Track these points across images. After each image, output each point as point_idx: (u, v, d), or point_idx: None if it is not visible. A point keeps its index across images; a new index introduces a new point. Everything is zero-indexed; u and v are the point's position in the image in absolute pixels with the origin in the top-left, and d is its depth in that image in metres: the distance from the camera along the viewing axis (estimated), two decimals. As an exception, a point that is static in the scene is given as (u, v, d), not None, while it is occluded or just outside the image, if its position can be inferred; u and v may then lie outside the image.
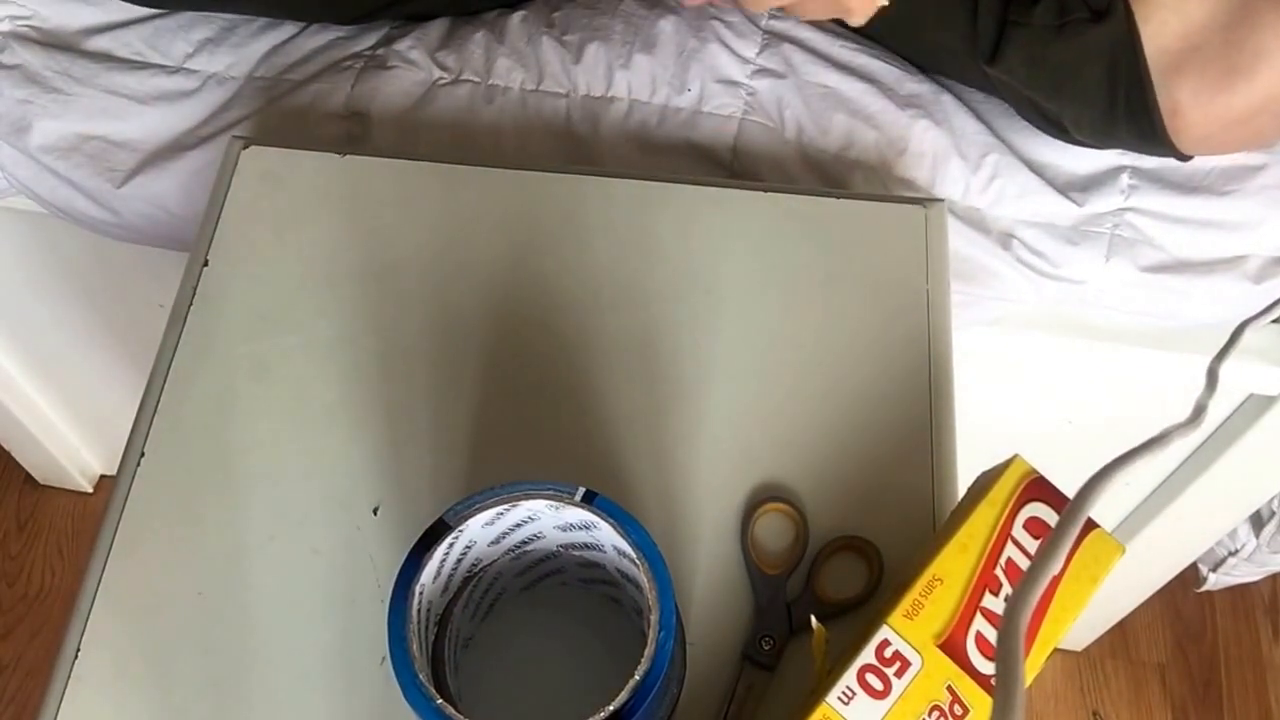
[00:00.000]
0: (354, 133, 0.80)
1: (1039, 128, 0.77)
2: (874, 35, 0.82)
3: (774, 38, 0.82)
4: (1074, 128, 0.75)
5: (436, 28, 0.83)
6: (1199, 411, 0.45)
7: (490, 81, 0.81)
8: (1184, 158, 0.73)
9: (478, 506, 0.44)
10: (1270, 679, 1.34)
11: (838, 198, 0.67)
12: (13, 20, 0.84)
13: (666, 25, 0.81)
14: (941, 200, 0.68)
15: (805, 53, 0.81)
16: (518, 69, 0.81)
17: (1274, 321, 0.83)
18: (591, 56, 0.80)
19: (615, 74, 0.80)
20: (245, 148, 0.68)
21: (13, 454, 1.36)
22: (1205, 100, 0.68)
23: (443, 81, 0.81)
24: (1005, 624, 0.33)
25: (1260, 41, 0.65)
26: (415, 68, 0.81)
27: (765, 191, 0.67)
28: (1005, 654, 0.33)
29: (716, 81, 0.80)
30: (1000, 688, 0.32)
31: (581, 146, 0.80)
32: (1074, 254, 0.77)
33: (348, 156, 0.68)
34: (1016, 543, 0.46)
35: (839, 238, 0.66)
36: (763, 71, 0.80)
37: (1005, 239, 0.78)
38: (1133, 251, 0.77)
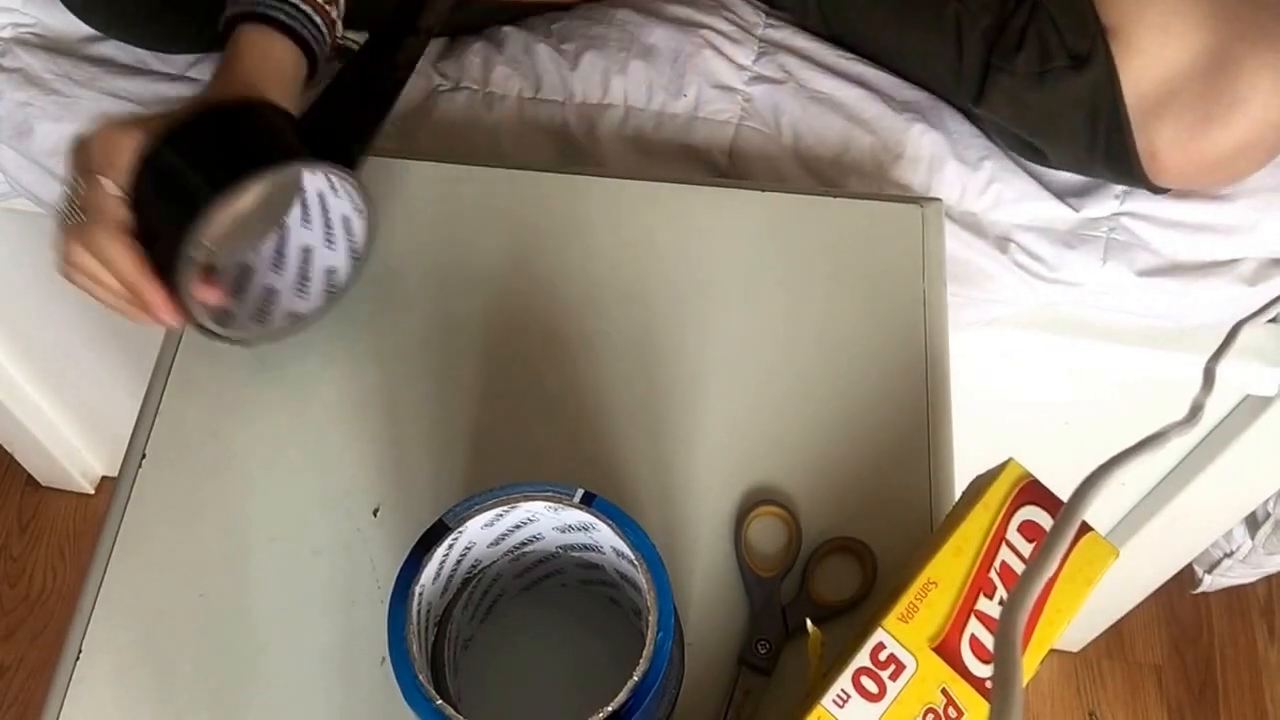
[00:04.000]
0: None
1: (1022, 155, 0.79)
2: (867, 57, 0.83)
3: (770, 45, 0.82)
4: (1055, 163, 0.77)
5: (437, 39, 0.84)
6: (1196, 410, 0.45)
7: (488, 89, 0.81)
8: (1160, 191, 0.75)
9: (477, 508, 0.44)
10: (1265, 679, 1.34)
11: (835, 197, 0.68)
12: (15, 28, 0.84)
13: (662, 33, 0.82)
14: (938, 199, 0.68)
15: (801, 60, 0.81)
16: (515, 77, 0.81)
17: (1270, 321, 0.84)
18: (588, 64, 0.80)
19: (611, 81, 0.80)
20: (246, 151, 0.69)
21: (15, 455, 1.37)
22: (1183, 145, 0.69)
23: (442, 88, 0.81)
24: (1001, 627, 0.34)
25: (1237, 90, 0.67)
26: (415, 75, 0.81)
27: (763, 192, 0.68)
28: (1002, 658, 0.33)
29: (713, 87, 0.80)
30: (998, 691, 0.32)
31: (579, 152, 0.80)
32: (1071, 257, 0.78)
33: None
34: (1011, 546, 0.46)
35: (836, 238, 0.66)
36: (759, 78, 0.81)
37: (1002, 242, 0.78)
38: (1128, 255, 0.78)
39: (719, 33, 0.82)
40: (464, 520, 0.44)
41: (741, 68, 0.81)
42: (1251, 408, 0.88)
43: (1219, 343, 0.48)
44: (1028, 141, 0.76)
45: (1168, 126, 0.69)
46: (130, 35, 0.80)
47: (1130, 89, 0.70)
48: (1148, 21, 0.68)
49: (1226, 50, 0.67)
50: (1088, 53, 0.71)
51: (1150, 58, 0.69)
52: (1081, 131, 0.73)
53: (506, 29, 0.84)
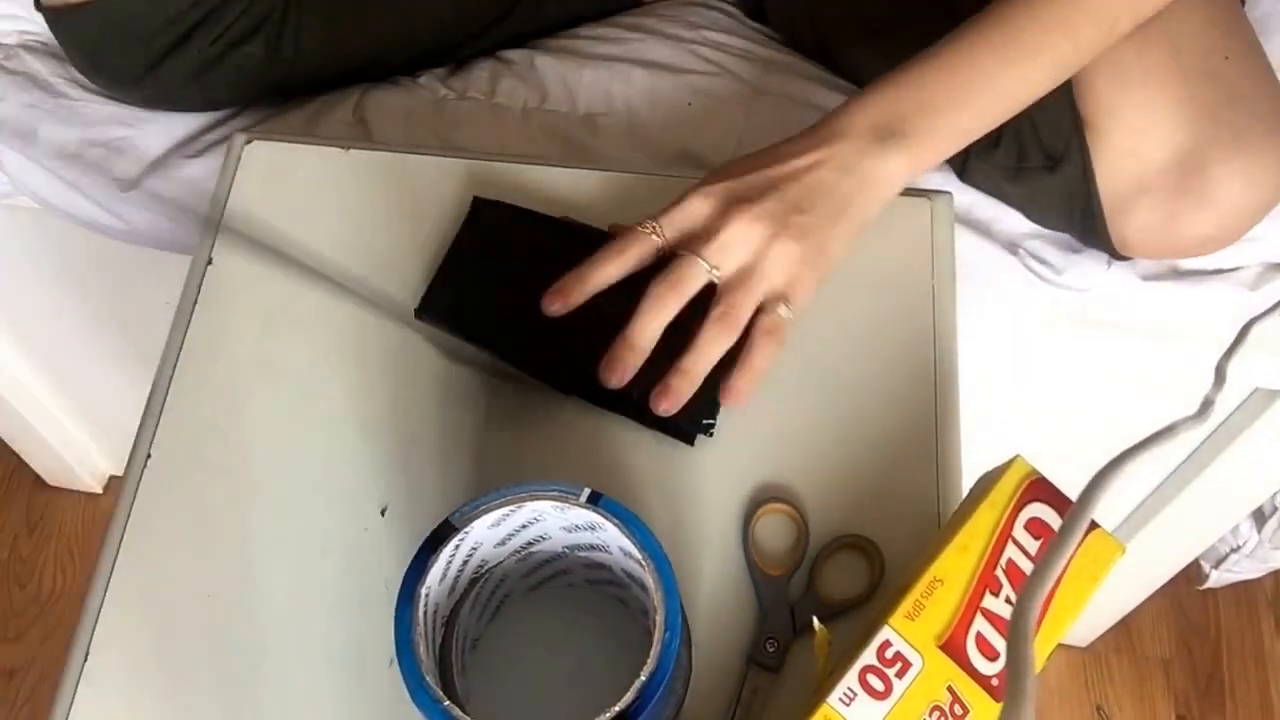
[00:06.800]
0: (357, 138, 0.81)
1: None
2: None
3: (774, 67, 0.84)
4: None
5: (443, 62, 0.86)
6: (1206, 406, 0.45)
7: (494, 100, 0.82)
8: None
9: (484, 508, 0.44)
10: (1272, 673, 1.34)
11: (841, 196, 0.67)
12: (21, 34, 0.85)
13: (665, 47, 0.83)
14: (947, 192, 0.68)
15: (805, 80, 0.83)
16: (521, 88, 0.83)
17: (1280, 318, 0.84)
18: (591, 75, 0.81)
19: (615, 90, 0.81)
20: (249, 142, 0.68)
21: (22, 455, 1.37)
22: (1152, 237, 0.71)
23: (448, 99, 0.82)
24: (1014, 625, 0.34)
25: (1205, 191, 0.68)
26: (420, 88, 0.83)
27: (769, 191, 0.67)
28: (1015, 654, 0.33)
29: (716, 101, 0.81)
30: (1011, 688, 0.32)
31: (583, 153, 0.81)
32: (1077, 261, 0.78)
33: (352, 151, 0.68)
34: (1017, 543, 0.46)
35: (842, 237, 0.66)
36: (761, 93, 0.82)
37: (1011, 247, 0.79)
38: (1133, 260, 0.78)
39: (721, 49, 0.83)
40: (470, 520, 0.44)
41: (744, 81, 0.82)
42: (1260, 400, 0.88)
43: (1230, 341, 0.48)
44: None
45: (1137, 219, 0.71)
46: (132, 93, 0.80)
47: (1104, 185, 0.71)
48: (1126, 122, 0.69)
49: (1201, 152, 0.68)
50: (1063, 152, 0.72)
51: (1125, 155, 0.70)
52: (1060, 216, 0.75)
53: (512, 53, 0.85)
